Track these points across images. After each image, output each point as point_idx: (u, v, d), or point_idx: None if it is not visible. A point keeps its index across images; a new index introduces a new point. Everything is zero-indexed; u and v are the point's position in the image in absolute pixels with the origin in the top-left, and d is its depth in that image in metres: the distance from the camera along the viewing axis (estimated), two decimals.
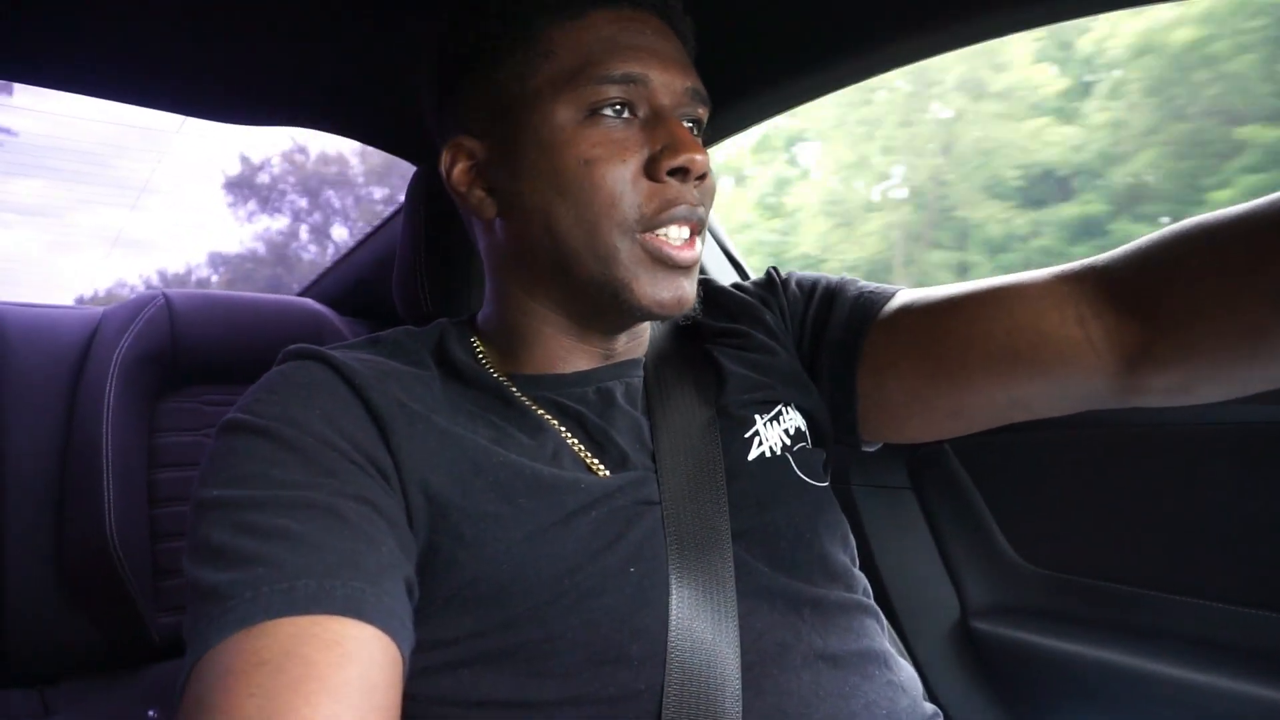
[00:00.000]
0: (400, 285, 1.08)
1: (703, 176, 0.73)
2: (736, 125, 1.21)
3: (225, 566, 0.55)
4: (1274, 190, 0.63)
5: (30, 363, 1.24)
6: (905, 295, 0.84)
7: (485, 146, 0.76)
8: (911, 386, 0.80)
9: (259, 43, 1.02)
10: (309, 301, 1.56)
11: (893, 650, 0.75)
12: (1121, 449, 1.01)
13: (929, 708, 0.73)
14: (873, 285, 0.87)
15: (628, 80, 0.71)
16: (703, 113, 0.78)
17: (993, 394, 0.77)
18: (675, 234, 0.73)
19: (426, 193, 1.06)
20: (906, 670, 0.75)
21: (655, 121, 0.72)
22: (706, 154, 0.72)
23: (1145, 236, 0.71)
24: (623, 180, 0.70)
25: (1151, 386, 0.70)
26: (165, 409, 1.35)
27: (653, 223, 0.71)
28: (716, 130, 1.21)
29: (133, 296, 1.37)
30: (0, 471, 1.18)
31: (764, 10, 0.94)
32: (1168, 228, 0.69)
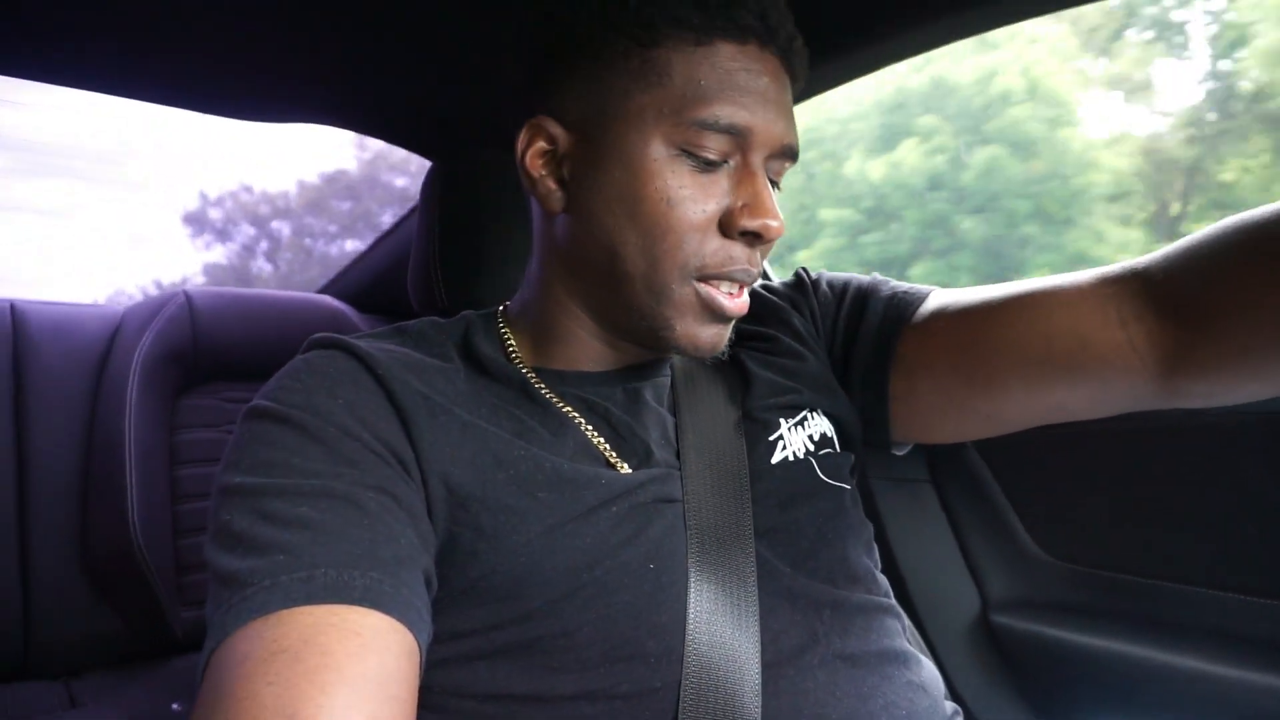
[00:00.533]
0: (415, 280, 1.09)
1: (770, 242, 0.72)
2: (828, 81, 1.16)
3: (245, 554, 0.55)
4: None
5: (53, 360, 1.26)
6: (939, 297, 0.83)
7: (570, 138, 0.73)
8: (947, 390, 0.79)
9: (276, 40, 1.03)
10: (328, 298, 1.57)
11: (914, 650, 0.74)
12: (1142, 440, 1.00)
13: (950, 707, 0.73)
14: (905, 286, 0.86)
15: (731, 131, 0.68)
16: (789, 167, 0.76)
17: (1031, 398, 0.76)
18: (727, 287, 0.72)
19: (441, 188, 1.07)
20: (928, 670, 0.74)
21: (743, 173, 0.70)
22: (782, 222, 0.70)
23: (1185, 238, 0.70)
24: (696, 228, 0.69)
25: (1192, 388, 0.69)
26: (186, 406, 1.36)
27: (710, 274, 0.70)
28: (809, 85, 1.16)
29: (154, 294, 1.39)
30: (25, 468, 1.20)
31: None
32: (1207, 228, 0.68)
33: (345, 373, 0.67)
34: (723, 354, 0.77)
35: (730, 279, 0.71)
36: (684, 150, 0.68)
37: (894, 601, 0.78)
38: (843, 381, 0.85)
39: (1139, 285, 0.71)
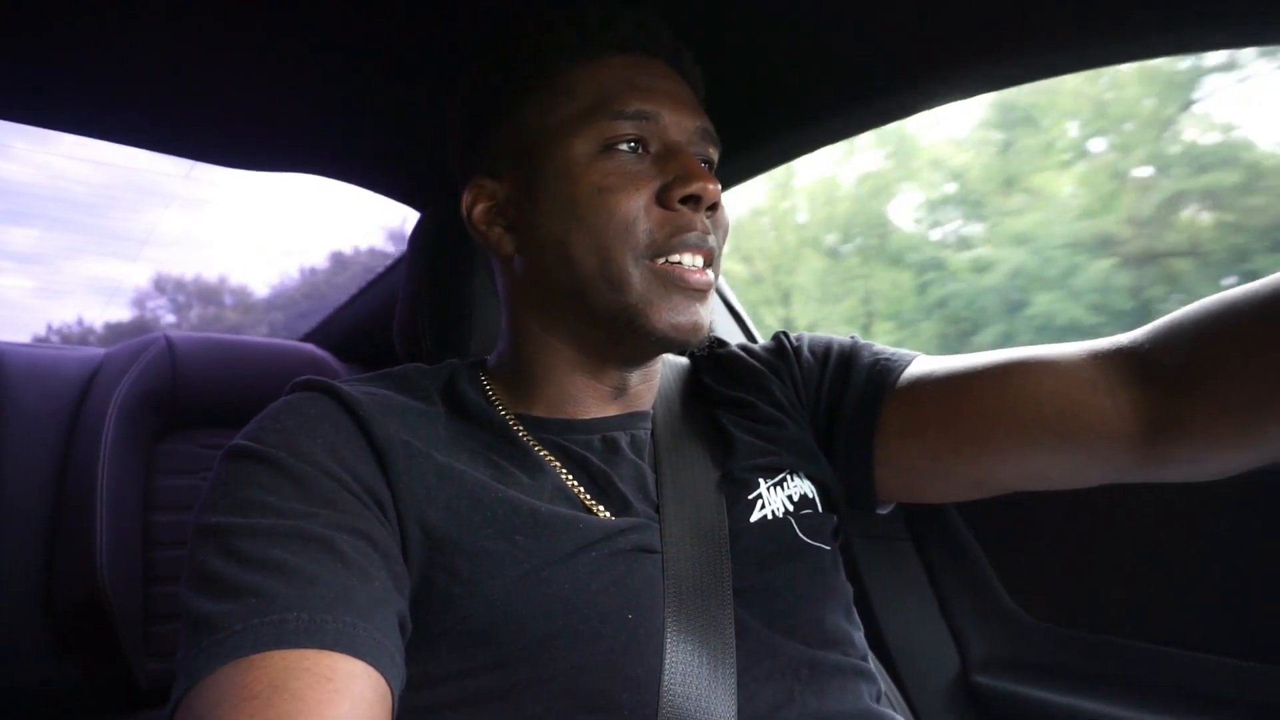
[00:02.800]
0: (401, 329, 1.09)
1: (714, 207, 0.76)
2: (745, 173, 1.22)
3: (218, 596, 0.55)
4: None
5: (29, 402, 1.24)
6: (923, 363, 0.84)
7: (506, 186, 0.80)
8: (933, 455, 0.80)
9: (264, 89, 1.04)
10: (310, 346, 1.56)
11: (890, 713, 0.74)
12: (1124, 500, 1.01)
13: None
14: (888, 351, 0.87)
15: (641, 117, 0.74)
16: (713, 153, 0.81)
17: (1017, 462, 0.77)
18: (689, 261, 0.74)
19: (429, 239, 1.08)
20: None
21: (667, 156, 0.75)
22: (718, 184, 0.74)
23: (1171, 314, 0.71)
24: (636, 208, 0.73)
25: (1178, 458, 0.70)
26: (163, 451, 1.34)
27: (664, 248, 0.73)
28: (726, 177, 1.23)
29: (135, 339, 1.38)
30: None
31: (770, 62, 0.97)
32: (1192, 305, 0.70)
33: (325, 414, 0.68)
34: (707, 339, 0.78)
35: (686, 247, 0.74)
36: (605, 145, 0.74)
37: (870, 665, 0.77)
38: (827, 447, 0.85)
39: (1126, 357, 0.72)
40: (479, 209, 0.81)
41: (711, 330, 0.78)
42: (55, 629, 1.17)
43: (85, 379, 1.30)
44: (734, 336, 1.49)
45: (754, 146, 1.15)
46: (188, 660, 0.53)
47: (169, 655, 1.23)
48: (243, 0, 0.87)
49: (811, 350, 0.90)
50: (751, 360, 0.90)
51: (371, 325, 1.69)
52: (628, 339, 0.76)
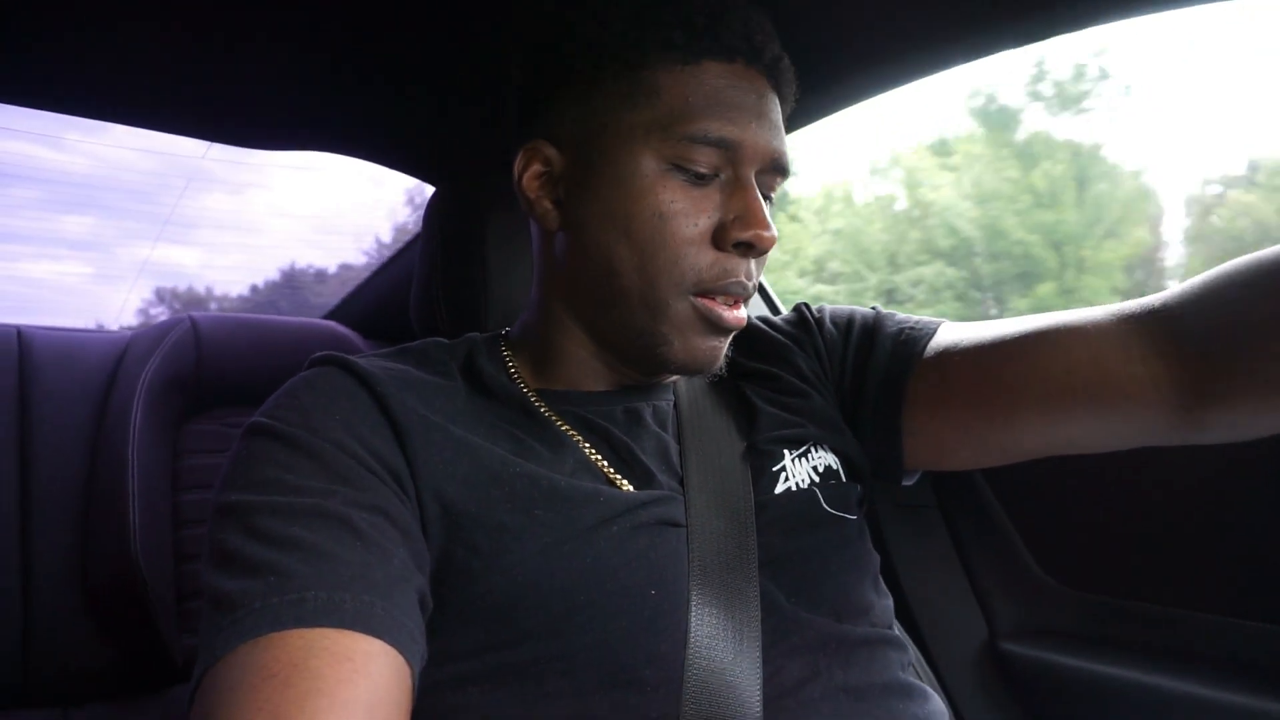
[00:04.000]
0: (417, 305, 1.09)
1: (764, 252, 0.73)
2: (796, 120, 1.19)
3: (237, 574, 0.55)
4: None
5: (58, 386, 1.26)
6: (949, 332, 0.82)
7: (564, 160, 0.75)
8: (963, 424, 0.79)
9: (280, 67, 1.04)
10: (333, 324, 1.57)
11: (919, 683, 0.73)
12: (1152, 464, 0.99)
13: None
14: (912, 320, 0.85)
15: (721, 144, 0.70)
16: (780, 183, 0.77)
17: (1049, 430, 0.75)
18: (724, 300, 0.73)
19: (444, 213, 1.07)
20: (933, 702, 0.73)
21: (735, 187, 0.72)
22: (774, 232, 0.71)
23: (1199, 276, 0.69)
24: (691, 241, 0.70)
25: (1212, 423, 0.68)
26: (190, 431, 1.36)
27: (708, 288, 0.71)
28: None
29: (160, 320, 1.39)
30: (27, 493, 1.20)
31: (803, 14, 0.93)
32: (1221, 266, 0.68)
33: (342, 389, 0.67)
34: (720, 371, 0.77)
35: (727, 292, 0.72)
36: (675, 165, 0.70)
37: (898, 634, 0.77)
38: (852, 418, 0.84)
39: (1157, 321, 0.70)
40: (531, 172, 0.76)
41: (729, 354, 0.78)
42: (92, 609, 1.20)
43: (113, 362, 1.31)
44: (756, 307, 1.48)
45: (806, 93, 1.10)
46: (208, 638, 0.53)
47: None
48: None
49: (834, 321, 0.89)
50: (774, 332, 0.89)
51: (393, 301, 1.70)
52: (645, 357, 0.75)
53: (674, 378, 0.84)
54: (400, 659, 0.54)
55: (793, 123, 1.18)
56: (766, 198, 0.76)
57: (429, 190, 1.43)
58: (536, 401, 0.76)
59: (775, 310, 1.49)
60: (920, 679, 0.76)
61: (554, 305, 0.79)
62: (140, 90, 1.08)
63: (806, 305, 0.92)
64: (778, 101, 0.76)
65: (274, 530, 0.56)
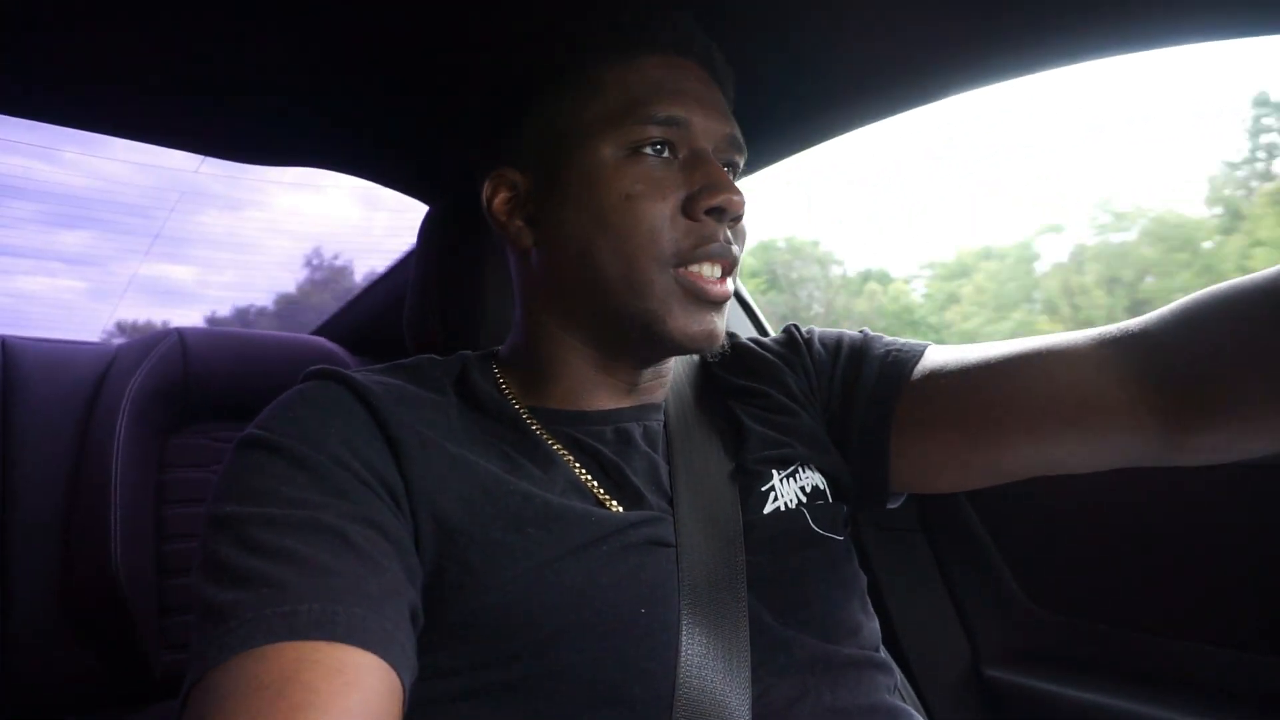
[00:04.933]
0: (412, 322, 1.09)
1: (737, 218, 0.75)
2: (762, 160, 1.22)
3: (230, 585, 0.55)
4: None
5: (44, 396, 1.25)
6: (936, 354, 0.83)
7: (528, 179, 0.79)
8: (948, 445, 0.79)
9: (277, 82, 1.04)
10: (321, 340, 1.57)
11: (904, 705, 0.73)
12: (1135, 492, 1.00)
13: None
14: (899, 342, 0.86)
15: (670, 122, 0.74)
16: (739, 159, 0.80)
17: (1031, 453, 0.76)
18: (709, 271, 0.74)
19: (439, 232, 1.08)
20: None
21: (694, 163, 0.74)
22: (743, 196, 0.74)
23: (1180, 300, 0.71)
24: (662, 216, 0.72)
25: (1191, 445, 0.70)
26: (176, 445, 1.35)
27: (688, 258, 0.73)
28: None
29: (148, 334, 1.38)
30: (10, 504, 1.18)
31: (792, 46, 0.95)
32: (1201, 292, 0.70)
33: (338, 403, 0.68)
34: (723, 348, 0.79)
35: (709, 257, 0.74)
36: (633, 149, 0.73)
37: (885, 656, 0.77)
38: (840, 439, 0.85)
39: (1136, 345, 0.71)
40: (499, 199, 0.81)
41: (726, 335, 0.78)
42: (72, 621, 1.18)
43: (99, 373, 1.30)
44: (745, 329, 1.49)
45: (772, 134, 1.14)
46: (200, 648, 0.53)
47: (184, 647, 1.23)
48: None
49: (823, 342, 0.90)
50: (764, 352, 0.90)
51: (382, 318, 1.70)
52: (642, 342, 0.76)
53: (665, 396, 0.84)
54: (392, 673, 0.54)
55: (772, 156, 1.23)
56: (733, 169, 0.81)
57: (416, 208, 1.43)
58: (529, 420, 0.77)
59: (763, 332, 1.50)
60: (905, 702, 0.76)
61: (541, 320, 0.80)
62: (138, 103, 1.08)
63: (796, 326, 0.93)
64: (717, 87, 0.81)
65: (268, 542, 0.56)
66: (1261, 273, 0.65)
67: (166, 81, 1.02)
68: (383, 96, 1.10)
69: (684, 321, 0.73)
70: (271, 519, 0.58)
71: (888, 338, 0.88)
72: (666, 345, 0.75)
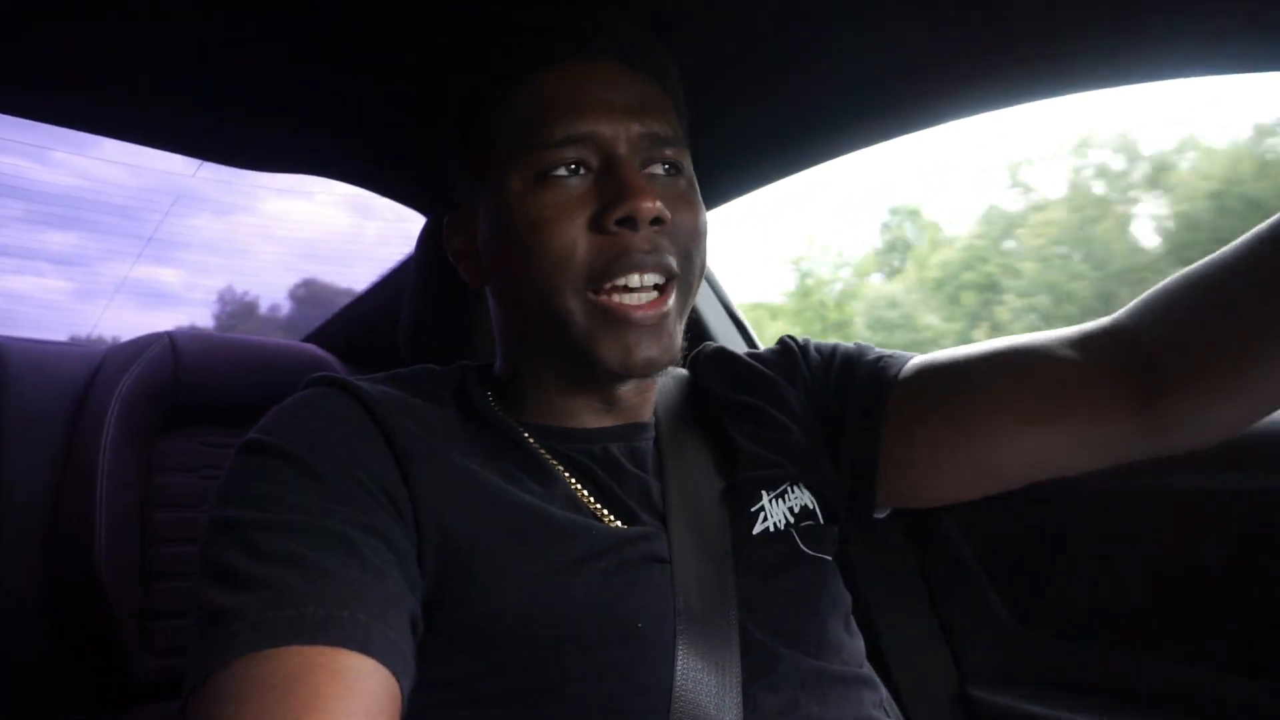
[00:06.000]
0: (408, 332, 1.09)
1: (659, 221, 0.70)
2: (730, 192, 1.23)
3: (233, 589, 0.55)
4: None
5: (31, 397, 1.24)
6: (923, 359, 0.85)
7: (474, 219, 0.80)
8: (938, 449, 0.80)
9: (272, 90, 1.05)
10: (312, 347, 1.56)
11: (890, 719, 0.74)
12: (1120, 511, 1.01)
13: None
14: (889, 351, 0.88)
15: (570, 141, 0.71)
16: (672, 153, 0.76)
17: (1020, 452, 0.78)
18: (634, 283, 0.71)
19: (436, 241, 1.08)
20: None
21: (605, 173, 0.72)
22: (654, 199, 0.69)
23: (1149, 290, 0.75)
24: (570, 238, 0.70)
25: (1174, 432, 0.73)
26: (164, 448, 1.34)
27: (603, 276, 0.70)
28: (710, 196, 1.24)
29: (138, 336, 1.38)
30: None
31: (756, 79, 0.97)
32: (1167, 279, 0.73)
33: (344, 411, 0.68)
34: (674, 362, 0.75)
35: (628, 269, 0.70)
36: (541, 174, 0.71)
37: (871, 673, 0.78)
38: (832, 448, 0.85)
39: (1111, 339, 0.75)
40: (457, 241, 0.82)
41: (677, 352, 0.76)
42: (54, 624, 1.17)
43: (87, 375, 1.30)
44: (733, 341, 1.49)
45: (738, 166, 1.15)
46: (202, 652, 0.53)
47: (166, 652, 1.23)
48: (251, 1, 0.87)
49: (818, 350, 0.91)
50: (759, 365, 0.90)
51: (373, 328, 1.69)
52: (585, 370, 0.75)
53: (652, 414, 0.85)
54: (393, 680, 0.54)
55: (719, 198, 1.25)
56: (673, 169, 0.76)
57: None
58: (526, 434, 0.77)
59: (751, 343, 1.51)
60: (890, 718, 0.76)
61: (513, 346, 0.82)
62: (133, 104, 1.08)
63: (792, 338, 0.94)
64: (632, 79, 0.76)
65: (272, 546, 0.57)
66: (1230, 246, 0.69)
67: (166, 83, 1.02)
68: (378, 107, 1.10)
69: (613, 349, 0.71)
70: (275, 524, 0.58)
71: (878, 347, 0.90)
72: (602, 373, 0.73)
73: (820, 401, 0.87)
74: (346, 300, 1.82)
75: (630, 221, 0.69)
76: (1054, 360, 0.76)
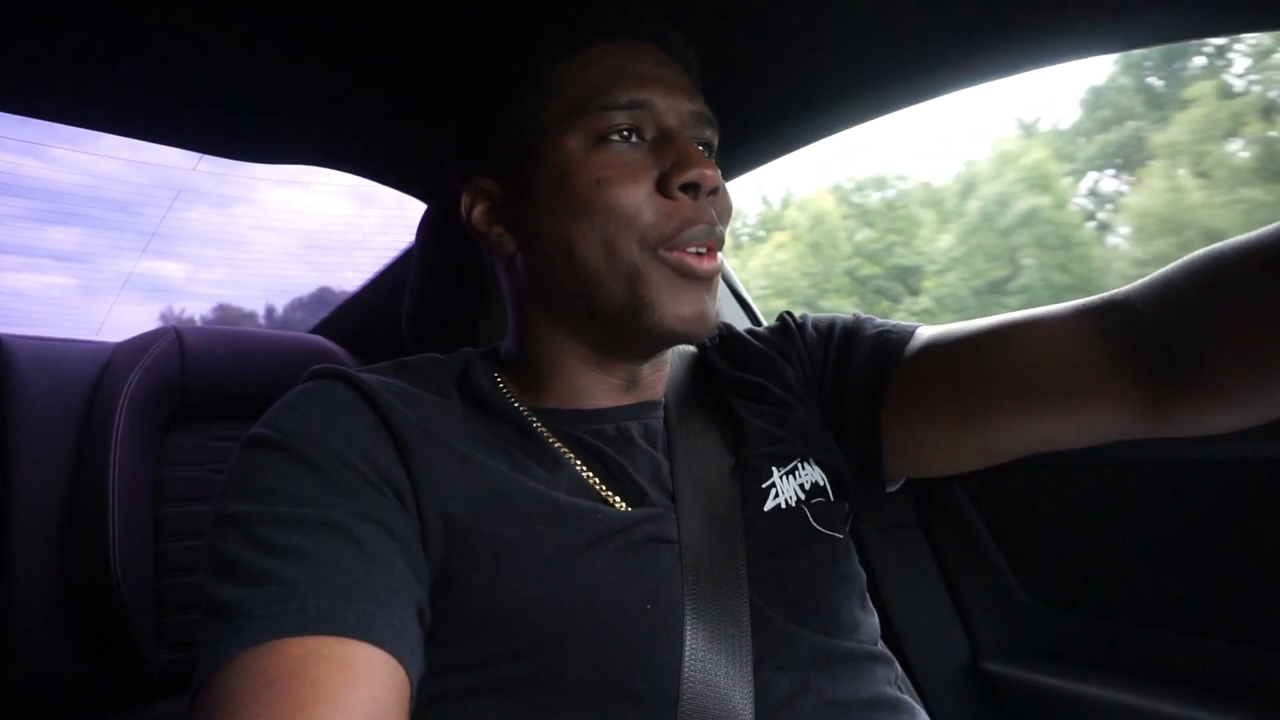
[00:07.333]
0: (411, 321, 1.09)
1: (715, 191, 0.74)
2: (747, 163, 1.22)
3: (237, 582, 0.55)
4: None
5: (40, 395, 1.24)
6: (925, 333, 0.84)
7: (502, 186, 0.79)
8: (940, 423, 0.80)
9: (272, 81, 1.04)
10: (319, 339, 1.57)
11: (905, 697, 0.74)
12: (1133, 484, 1.01)
13: None
14: (890, 323, 0.87)
15: (633, 106, 0.73)
16: (711, 135, 0.80)
17: (1022, 427, 0.77)
18: (694, 249, 0.74)
19: (437, 230, 1.08)
20: (920, 718, 0.74)
21: (663, 142, 0.74)
22: (716, 169, 0.73)
23: (1162, 269, 0.72)
24: (638, 198, 0.72)
25: (1177, 417, 0.71)
26: (174, 443, 1.35)
27: (673, 242, 0.72)
28: (728, 166, 1.23)
29: (145, 332, 1.38)
30: (7, 504, 1.18)
31: (770, 48, 0.96)
32: (1182, 260, 0.70)
33: (344, 403, 0.68)
34: (717, 329, 0.78)
35: (693, 240, 0.73)
36: (599, 138, 0.73)
37: (885, 649, 0.78)
38: (834, 422, 0.85)
39: (1119, 317, 0.72)
40: (478, 210, 0.81)
41: (719, 317, 0.78)
42: (70, 621, 1.18)
43: (96, 372, 1.30)
44: (738, 320, 1.49)
45: (755, 136, 1.15)
46: (208, 646, 0.53)
47: (182, 646, 1.24)
48: None
49: (816, 327, 0.90)
50: (759, 343, 0.90)
51: (380, 317, 1.69)
52: (635, 333, 0.75)
53: (663, 391, 0.84)
54: (400, 668, 0.55)
55: (736, 169, 1.24)
56: (707, 152, 0.80)
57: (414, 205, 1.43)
58: (531, 419, 0.77)
59: (756, 322, 1.51)
60: (905, 694, 0.76)
61: (533, 324, 0.81)
62: (134, 100, 1.08)
63: (790, 314, 0.94)
64: (676, 66, 0.80)
65: (275, 539, 0.57)
66: (1244, 236, 0.66)
67: (164, 77, 1.02)
68: (379, 96, 1.10)
69: (674, 305, 0.73)
70: (278, 517, 0.58)
71: (879, 319, 0.89)
72: (658, 332, 0.74)
73: (820, 377, 0.87)
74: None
75: (693, 188, 0.73)
76: (1057, 339, 0.74)
